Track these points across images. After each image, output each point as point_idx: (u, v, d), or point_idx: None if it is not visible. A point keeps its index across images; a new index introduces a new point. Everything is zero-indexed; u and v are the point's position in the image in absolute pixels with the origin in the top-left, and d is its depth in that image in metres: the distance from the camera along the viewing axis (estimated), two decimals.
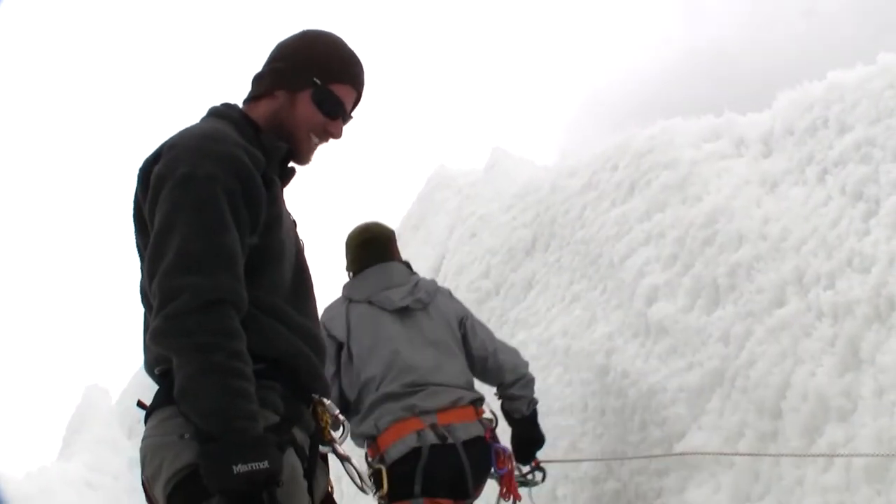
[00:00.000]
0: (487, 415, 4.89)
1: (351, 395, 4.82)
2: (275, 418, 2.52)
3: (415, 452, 4.52)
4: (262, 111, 2.82)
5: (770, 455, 4.46)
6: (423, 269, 10.89)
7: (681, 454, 5.00)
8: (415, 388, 4.71)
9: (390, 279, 5.16)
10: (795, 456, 4.29)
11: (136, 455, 8.88)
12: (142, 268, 2.63)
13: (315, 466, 2.72)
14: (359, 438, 4.70)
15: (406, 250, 12.13)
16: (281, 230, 2.69)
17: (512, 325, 7.78)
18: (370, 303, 5.03)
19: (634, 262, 6.09)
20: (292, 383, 2.66)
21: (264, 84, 2.86)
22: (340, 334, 4.92)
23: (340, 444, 2.89)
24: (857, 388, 4.19)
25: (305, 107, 2.81)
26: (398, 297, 5.04)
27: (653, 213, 6.15)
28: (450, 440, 4.56)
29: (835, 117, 5.21)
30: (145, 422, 2.67)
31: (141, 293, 2.68)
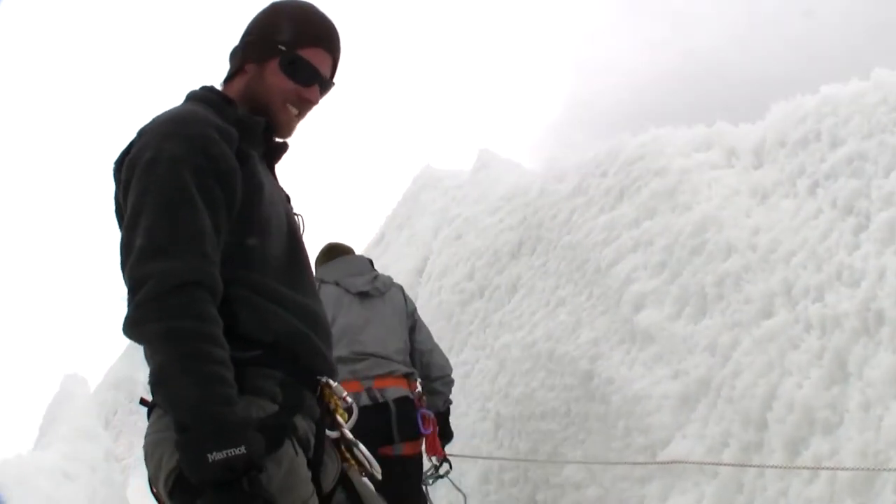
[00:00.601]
0: (419, 389, 5.82)
1: None
2: (272, 407, 2.44)
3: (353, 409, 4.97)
4: (236, 88, 2.75)
5: (754, 466, 4.45)
6: (407, 268, 10.91)
7: (664, 462, 4.99)
8: (360, 356, 5.60)
9: (355, 268, 6.11)
10: (780, 468, 4.28)
11: (113, 446, 8.78)
12: None
13: (322, 454, 2.62)
14: None
15: (390, 250, 12.19)
16: (262, 205, 2.58)
17: (496, 328, 7.77)
18: (337, 284, 5.93)
19: (622, 268, 6.09)
20: (292, 367, 2.57)
21: (236, 60, 2.79)
22: None
23: (349, 427, 2.77)
24: (844, 401, 4.19)
25: (274, 76, 2.72)
26: (360, 282, 5.97)
27: (642, 221, 6.15)
28: (381, 400, 5.44)
29: (827, 131, 5.21)
30: (147, 419, 2.56)
31: None
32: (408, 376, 5.72)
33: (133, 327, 2.28)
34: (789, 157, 5.45)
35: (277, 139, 2.82)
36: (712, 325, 5.14)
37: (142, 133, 2.51)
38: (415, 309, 6.22)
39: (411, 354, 5.95)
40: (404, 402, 5.52)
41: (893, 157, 4.71)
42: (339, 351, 5.44)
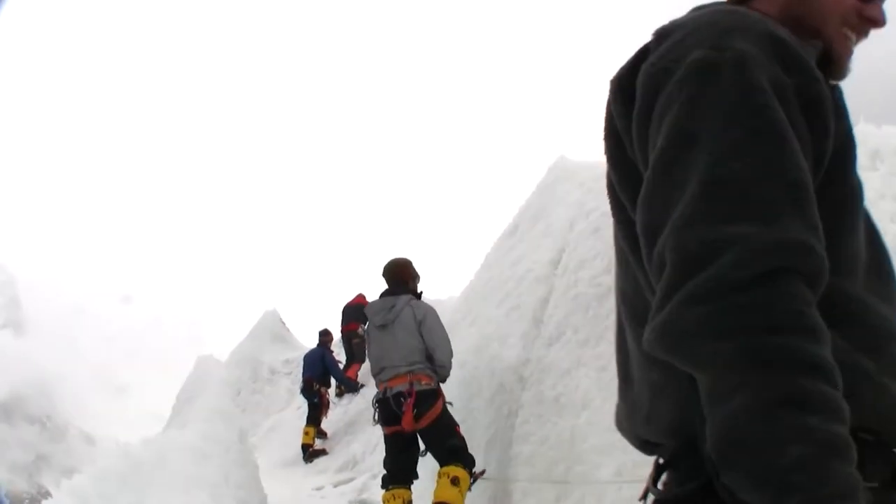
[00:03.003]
0: (418, 378, 8.88)
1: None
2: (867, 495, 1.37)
3: (377, 401, 9.22)
4: (767, 7, 1.87)
5: None
6: (542, 259, 11.01)
7: None
8: (381, 369, 9.15)
9: (378, 307, 9.49)
10: None
11: (246, 426, 9.27)
12: (624, 215, 1.81)
13: None
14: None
15: (524, 240, 12.27)
16: (854, 165, 1.79)
17: None
18: (371, 323, 9.52)
19: None
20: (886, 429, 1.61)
21: None
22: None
23: None
24: None
25: None
26: (379, 319, 9.30)
27: None
28: (387, 395, 8.97)
29: None
30: (654, 482, 1.77)
31: (625, 268, 1.83)
32: (409, 373, 8.89)
33: (679, 339, 1.44)
34: None
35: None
36: None
37: (670, 31, 1.75)
38: (424, 316, 9.18)
39: (426, 349, 9.09)
40: (397, 396, 8.86)
41: None
42: (374, 368, 9.34)
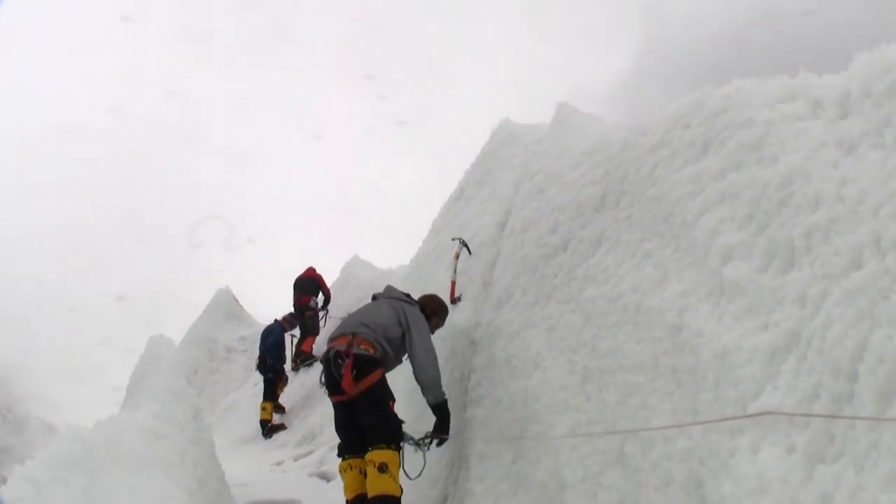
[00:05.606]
0: (359, 342, 8.67)
1: None
2: None
3: (322, 362, 9.09)
4: None
5: (846, 417, 4.45)
6: (488, 223, 11.01)
7: (755, 415, 5.01)
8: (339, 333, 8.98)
9: (387, 293, 9.76)
10: (872, 419, 4.28)
11: (200, 404, 9.17)
12: None
13: None
14: None
15: (471, 205, 12.27)
16: None
17: (580, 281, 7.82)
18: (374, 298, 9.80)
19: (708, 221, 6.10)
20: None
21: None
22: None
23: None
24: None
25: None
26: (379, 294, 9.76)
27: (727, 173, 6.14)
28: (329, 355, 8.72)
29: None
30: None
31: None
32: (353, 335, 8.70)
33: None
34: (875, 108, 5.39)
35: None
36: (801, 277, 5.13)
37: None
38: (413, 322, 9.07)
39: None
40: (336, 356, 8.61)
41: None
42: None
